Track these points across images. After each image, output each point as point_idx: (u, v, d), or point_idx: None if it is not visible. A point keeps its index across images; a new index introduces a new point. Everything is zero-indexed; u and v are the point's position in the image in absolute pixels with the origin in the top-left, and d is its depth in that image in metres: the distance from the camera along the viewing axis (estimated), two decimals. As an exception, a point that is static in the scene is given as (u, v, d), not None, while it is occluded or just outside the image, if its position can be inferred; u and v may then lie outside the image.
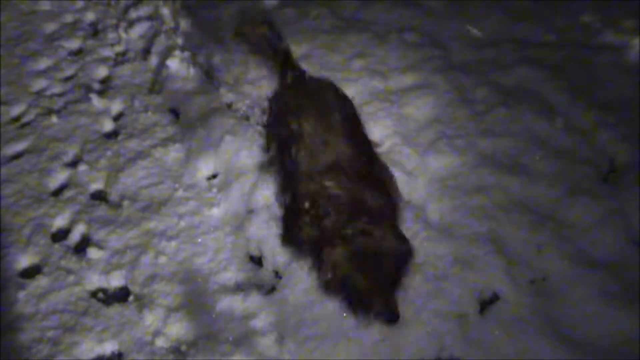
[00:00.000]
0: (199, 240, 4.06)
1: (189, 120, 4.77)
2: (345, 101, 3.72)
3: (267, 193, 4.09)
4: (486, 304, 3.59)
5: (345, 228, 3.09)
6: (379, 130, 4.39)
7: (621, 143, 4.18)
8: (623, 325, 3.44)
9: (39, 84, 5.35)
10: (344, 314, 3.43)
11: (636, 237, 3.75)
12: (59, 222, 4.24)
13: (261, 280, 3.84)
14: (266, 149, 4.12)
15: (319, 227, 3.21)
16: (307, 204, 3.32)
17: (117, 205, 4.30)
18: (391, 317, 3.07)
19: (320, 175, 3.35)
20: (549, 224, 3.80)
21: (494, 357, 3.35)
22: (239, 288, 3.80)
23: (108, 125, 4.91)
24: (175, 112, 4.92)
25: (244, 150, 4.37)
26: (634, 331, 3.42)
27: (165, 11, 5.60)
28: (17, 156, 4.71)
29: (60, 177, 4.54)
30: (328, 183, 3.31)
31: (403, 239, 3.16)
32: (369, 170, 3.50)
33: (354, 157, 3.46)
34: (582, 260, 3.65)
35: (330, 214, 3.18)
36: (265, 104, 3.83)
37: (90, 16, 6.04)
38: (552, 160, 4.12)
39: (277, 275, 3.81)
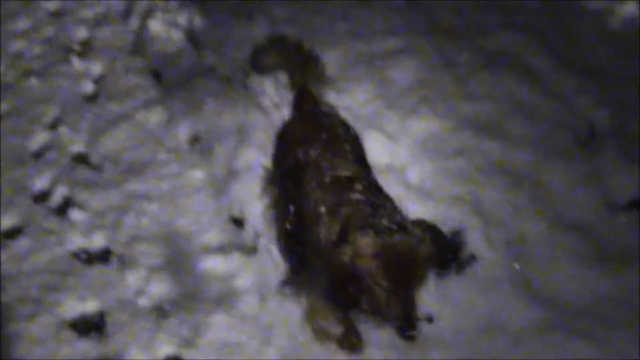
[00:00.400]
0: (181, 202, 4.09)
1: (171, 82, 4.77)
2: (355, 137, 3.64)
3: (249, 155, 4.09)
4: (463, 264, 3.65)
5: (380, 218, 2.79)
6: (361, 95, 4.41)
7: (601, 108, 4.25)
8: (595, 285, 3.53)
9: (18, 45, 5.29)
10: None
11: (611, 201, 3.82)
12: (40, 183, 4.25)
13: (243, 242, 3.89)
14: (269, 185, 3.82)
15: (341, 222, 2.90)
16: (322, 208, 3.07)
17: (99, 168, 4.31)
18: (409, 334, 2.74)
19: (336, 184, 3.16)
20: (526, 187, 3.88)
21: (469, 314, 3.41)
22: (221, 249, 3.84)
23: (89, 88, 4.89)
24: (157, 75, 4.91)
25: (226, 113, 4.38)
26: (606, 291, 3.50)
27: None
28: (-3, 118, 4.70)
29: (40, 139, 4.53)
30: (350, 186, 3.10)
31: (445, 243, 2.88)
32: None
33: (368, 177, 3.33)
34: (557, 222, 3.74)
35: (357, 211, 2.90)
36: (273, 137, 3.71)
37: (70, -24, 5.97)
38: (531, 124, 4.18)
39: (258, 236, 3.82)
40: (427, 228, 2.77)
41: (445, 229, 3.55)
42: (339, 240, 2.80)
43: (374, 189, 3.14)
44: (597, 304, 3.49)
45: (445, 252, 2.82)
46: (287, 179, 3.41)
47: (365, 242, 2.67)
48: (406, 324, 2.70)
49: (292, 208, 3.27)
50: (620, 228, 3.77)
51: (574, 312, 3.46)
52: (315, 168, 3.27)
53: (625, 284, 3.53)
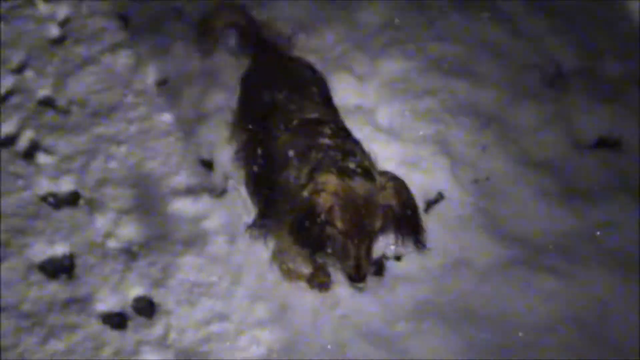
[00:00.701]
0: (150, 145, 4.07)
1: (138, 25, 4.69)
2: (321, 80, 3.59)
3: (218, 97, 4.07)
4: (431, 203, 3.70)
5: (348, 162, 2.77)
6: (330, 36, 4.37)
7: (568, 48, 4.27)
8: (560, 222, 3.60)
9: (-18, -11, 5.18)
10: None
11: (578, 140, 3.86)
12: (6, 128, 4.19)
13: (212, 184, 3.89)
14: (234, 132, 3.80)
15: (310, 166, 2.88)
16: (291, 152, 3.02)
17: (66, 111, 4.26)
18: (358, 280, 2.78)
19: (304, 127, 3.13)
20: (494, 126, 3.90)
21: (436, 252, 3.46)
22: (190, 191, 3.84)
23: (54, 31, 4.79)
24: (124, 18, 4.81)
25: (194, 56, 4.33)
26: (571, 228, 3.56)
27: None
28: (-39, 62, 4.61)
29: (6, 83, 4.45)
30: (319, 130, 3.08)
31: (407, 203, 2.79)
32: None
33: (336, 120, 3.32)
34: (524, 161, 3.78)
35: (327, 156, 2.87)
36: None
37: None
38: (500, 65, 4.20)
39: (227, 178, 3.82)
40: (392, 178, 2.76)
41: (417, 173, 3.60)
42: (307, 182, 2.79)
43: (342, 133, 3.13)
44: (562, 241, 3.56)
45: (406, 207, 2.77)
46: (254, 123, 3.39)
47: (326, 179, 2.68)
48: (356, 274, 2.74)
49: (260, 151, 3.26)
50: (587, 166, 3.83)
51: (539, 248, 3.53)
52: (282, 111, 3.25)
53: (591, 220, 3.60)
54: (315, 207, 2.69)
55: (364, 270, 2.74)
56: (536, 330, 3.27)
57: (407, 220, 2.80)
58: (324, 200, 2.67)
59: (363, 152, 3.00)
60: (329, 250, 2.84)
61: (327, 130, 3.05)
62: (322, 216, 2.69)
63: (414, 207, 2.82)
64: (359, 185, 2.65)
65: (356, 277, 2.76)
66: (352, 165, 2.72)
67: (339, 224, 2.68)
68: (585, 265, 3.43)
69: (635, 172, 3.75)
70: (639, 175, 3.75)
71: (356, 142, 3.10)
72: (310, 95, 3.37)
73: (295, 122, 3.15)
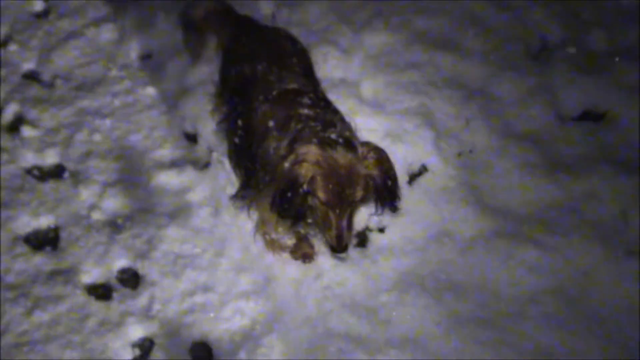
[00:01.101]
0: (134, 118, 4.07)
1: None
2: (302, 50, 3.59)
3: (201, 71, 4.06)
4: (415, 175, 3.71)
5: (329, 132, 2.78)
6: (315, 9, 4.36)
7: (552, 21, 4.27)
8: (543, 194, 3.63)
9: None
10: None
11: (562, 112, 3.87)
12: (-9, 101, 4.18)
13: (196, 157, 3.90)
14: (216, 105, 3.81)
15: (290, 137, 2.89)
16: (271, 123, 3.03)
17: (50, 85, 4.25)
18: (340, 250, 2.81)
19: (284, 98, 3.12)
20: (478, 99, 3.92)
21: (419, 224, 3.48)
22: (174, 164, 3.85)
23: (39, 5, 4.76)
24: (108, -9, 4.79)
25: (178, 29, 4.30)
26: (554, 199, 3.58)
27: None
28: (-56, 37, 4.58)
29: (-10, 57, 4.44)
30: (298, 100, 3.07)
31: (388, 172, 2.81)
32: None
33: (316, 90, 3.32)
34: (508, 133, 3.80)
35: (307, 127, 2.88)
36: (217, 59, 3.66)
37: None
38: (484, 38, 4.21)
39: (211, 151, 3.83)
40: (374, 149, 2.77)
41: (401, 145, 3.61)
42: (287, 153, 2.80)
43: (322, 103, 3.13)
44: (545, 212, 3.59)
45: (387, 177, 2.80)
46: (235, 95, 3.39)
47: (307, 149, 2.69)
48: (338, 244, 2.77)
49: (240, 123, 3.25)
50: (570, 139, 3.86)
51: (522, 220, 3.55)
52: (262, 82, 3.25)
53: (573, 192, 3.63)
54: (297, 178, 2.71)
55: (345, 240, 2.77)
56: (519, 301, 3.30)
57: (387, 190, 2.82)
58: (306, 170, 2.69)
59: (343, 121, 3.01)
60: (310, 221, 2.88)
61: (307, 101, 3.06)
62: (304, 186, 2.71)
63: (394, 177, 2.84)
64: (341, 155, 2.67)
65: (338, 247, 2.78)
66: (333, 136, 2.73)
67: (321, 194, 2.70)
68: (568, 236, 3.45)
69: (618, 144, 3.78)
70: (622, 148, 3.76)
71: (336, 112, 3.11)
72: (290, 66, 3.36)
73: (274, 92, 3.15)
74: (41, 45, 4.46)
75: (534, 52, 4.20)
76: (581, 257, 3.38)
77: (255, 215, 3.38)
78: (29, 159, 3.91)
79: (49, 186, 3.80)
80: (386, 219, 3.44)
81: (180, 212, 3.66)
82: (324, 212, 2.76)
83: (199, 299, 3.39)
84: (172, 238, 3.57)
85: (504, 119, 3.88)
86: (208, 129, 3.89)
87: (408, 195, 3.60)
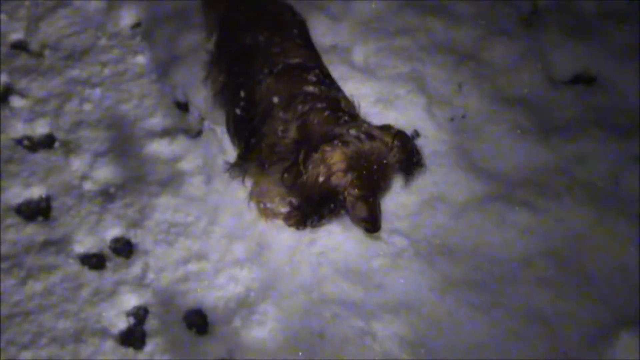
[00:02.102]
0: (124, 87, 4.04)
1: (110, -33, 4.61)
2: (302, 22, 3.56)
3: (191, 39, 4.03)
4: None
5: (347, 127, 2.78)
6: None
7: (544, -15, 4.25)
8: (535, 158, 3.65)
9: None
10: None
11: (553, 76, 3.88)
12: (-21, 72, 4.14)
13: (188, 125, 3.89)
14: (212, 74, 3.73)
15: (299, 124, 2.92)
16: (275, 99, 3.05)
17: (39, 55, 4.21)
18: (376, 231, 2.89)
19: (288, 73, 3.12)
20: (469, 64, 3.92)
21: (412, 189, 3.48)
22: (166, 133, 3.83)
23: (26, -25, 4.70)
24: (96, -40, 4.73)
25: (167, -3, 4.29)
26: (545, 163, 3.60)
27: None
28: None
29: (-22, 27, 4.39)
30: (303, 76, 3.08)
31: (413, 153, 2.88)
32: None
33: (319, 65, 3.30)
34: (499, 98, 3.80)
35: (313, 109, 2.91)
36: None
37: None
38: (475, 2, 4.21)
39: (203, 119, 3.81)
40: (396, 134, 2.79)
41: (393, 111, 3.60)
42: (306, 157, 2.76)
43: (327, 80, 3.13)
44: (537, 175, 3.61)
45: (412, 157, 2.85)
46: (235, 64, 3.36)
47: (337, 158, 2.69)
48: (372, 226, 2.83)
49: (242, 94, 3.24)
50: (562, 102, 3.88)
51: (514, 183, 3.57)
52: (265, 53, 3.23)
53: (565, 155, 3.66)
54: (334, 189, 2.74)
55: (380, 221, 2.83)
56: (512, 264, 3.34)
57: (414, 164, 2.90)
58: (340, 179, 2.72)
59: (347, 100, 3.03)
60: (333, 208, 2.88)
61: (312, 77, 3.07)
62: (343, 194, 2.77)
63: (419, 153, 2.91)
64: (368, 150, 2.69)
65: (374, 228, 2.85)
66: (354, 132, 2.72)
67: (358, 192, 2.75)
68: (560, 199, 3.48)
69: (609, 107, 3.80)
70: (613, 111, 3.78)
71: (339, 89, 3.12)
72: (292, 38, 3.35)
73: (280, 66, 3.14)
74: (29, 15, 4.40)
75: (524, 17, 4.19)
76: (573, 220, 3.41)
77: (249, 183, 3.36)
78: (19, 129, 3.88)
79: (40, 156, 3.78)
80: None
81: (172, 181, 3.65)
82: (355, 202, 2.79)
83: (192, 267, 3.40)
84: (165, 206, 3.57)
85: (495, 83, 3.88)
86: (199, 97, 3.87)
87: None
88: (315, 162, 2.72)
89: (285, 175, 2.89)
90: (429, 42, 4.00)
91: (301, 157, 2.78)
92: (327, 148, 2.70)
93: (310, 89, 3.01)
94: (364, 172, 2.69)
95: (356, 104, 3.04)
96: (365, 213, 2.80)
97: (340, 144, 2.70)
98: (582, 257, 3.31)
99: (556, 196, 3.49)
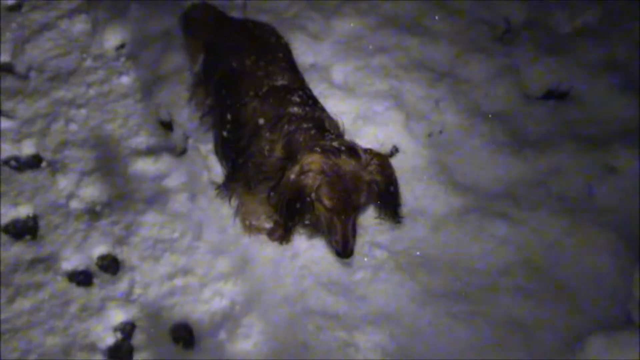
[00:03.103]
0: (109, 107, 4.13)
1: (94, -10, 4.70)
2: (286, 45, 3.66)
3: (175, 59, 4.12)
4: (387, 156, 3.77)
5: (328, 140, 2.84)
6: (285, -3, 4.46)
7: (517, 3, 4.39)
8: (511, 171, 3.74)
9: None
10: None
11: (526, 91, 3.99)
12: (-34, 94, 4.21)
13: (172, 144, 3.96)
14: (197, 96, 3.83)
15: (285, 143, 2.97)
16: (261, 120, 3.10)
17: (25, 77, 4.30)
18: (345, 256, 2.87)
19: (273, 95, 3.18)
20: (446, 80, 4.01)
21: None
22: (151, 151, 3.90)
23: (11, -1, 4.80)
24: (80, -17, 4.83)
25: (151, 18, 4.38)
26: (521, 175, 3.70)
27: None
28: None
29: (-36, 50, 4.46)
30: (287, 97, 3.15)
31: (390, 178, 2.89)
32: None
33: (303, 86, 3.38)
34: (475, 113, 3.90)
35: (299, 129, 2.95)
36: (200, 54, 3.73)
37: None
38: (451, 21, 4.32)
39: (187, 137, 3.89)
40: (377, 156, 2.85)
41: (373, 127, 3.68)
42: (284, 156, 2.88)
43: (311, 101, 3.21)
44: (513, 188, 3.70)
45: (389, 183, 2.89)
46: (221, 87, 3.44)
47: (312, 159, 2.75)
48: (344, 249, 2.83)
49: (229, 116, 3.31)
50: (536, 116, 3.98)
51: (491, 196, 3.66)
52: (251, 77, 3.31)
53: (540, 167, 3.74)
54: (304, 188, 2.77)
55: (350, 245, 2.84)
56: (490, 273, 3.40)
57: (390, 195, 2.91)
58: (312, 180, 2.75)
59: (330, 119, 3.11)
60: (309, 222, 2.94)
61: (296, 99, 3.14)
62: (312, 195, 2.78)
63: (396, 183, 2.92)
64: (345, 162, 2.73)
65: (344, 253, 2.85)
66: (335, 144, 2.78)
67: (327, 201, 2.76)
68: (536, 210, 3.55)
69: (581, 121, 3.91)
70: (586, 123, 3.89)
71: (323, 110, 3.19)
72: (277, 61, 3.42)
73: (264, 89, 3.21)
74: (15, 38, 4.49)
75: (499, 34, 4.32)
76: (548, 230, 3.49)
77: (236, 202, 3.42)
78: (6, 150, 3.94)
79: (27, 176, 3.84)
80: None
81: (157, 198, 3.72)
82: (329, 219, 2.82)
83: (178, 282, 3.45)
84: (151, 223, 3.63)
85: (471, 99, 3.98)
86: (183, 116, 3.95)
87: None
88: (292, 167, 2.79)
89: (271, 194, 2.96)
90: (407, 60, 4.10)
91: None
92: (306, 153, 2.77)
93: (295, 109, 3.08)
94: (337, 181, 2.72)
95: (340, 124, 3.11)
96: (336, 233, 2.81)
97: (319, 149, 2.76)
98: (557, 266, 3.39)
99: (532, 207, 3.57)
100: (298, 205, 2.81)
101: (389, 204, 2.95)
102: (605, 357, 2.54)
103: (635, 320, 2.92)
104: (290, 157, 2.88)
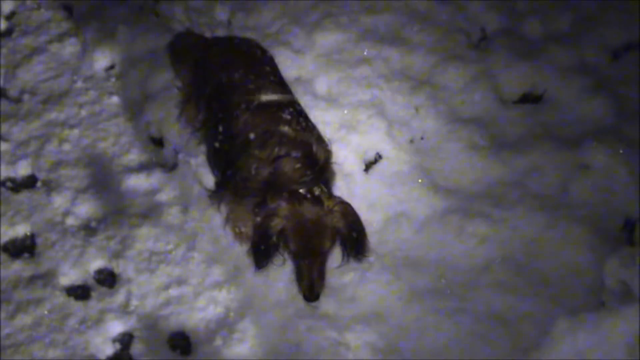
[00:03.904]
0: (101, 126, 4.26)
1: (82, 14, 4.83)
2: (271, 58, 3.82)
3: (163, 78, 4.25)
4: (371, 163, 3.93)
5: (299, 182, 3.05)
6: (268, 14, 4.58)
7: (491, 12, 4.54)
8: (490, 172, 3.85)
9: None
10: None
11: (502, 95, 4.14)
12: (-39, 119, 4.32)
13: (163, 159, 4.09)
14: (188, 112, 3.91)
15: (274, 167, 3.13)
16: (251, 135, 3.25)
17: (18, 100, 4.42)
18: (311, 300, 3.11)
19: (265, 110, 3.33)
20: (425, 88, 4.15)
21: (376, 208, 3.70)
22: (143, 167, 4.03)
23: (2, 25, 4.91)
24: (68, 8, 4.97)
25: (139, 39, 4.50)
26: (500, 176, 3.82)
27: None
28: None
29: (-42, 76, 4.57)
30: (278, 114, 3.29)
31: (353, 224, 3.10)
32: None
33: (293, 101, 3.49)
34: (454, 118, 4.04)
35: (287, 156, 3.12)
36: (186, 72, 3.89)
37: None
38: (429, 31, 4.45)
39: (177, 152, 4.01)
40: (339, 203, 3.05)
41: (356, 135, 3.81)
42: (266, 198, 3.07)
43: (301, 119, 3.35)
44: (492, 188, 3.81)
45: (352, 229, 3.08)
46: (213, 101, 3.56)
47: (277, 204, 2.97)
48: (310, 294, 3.07)
49: (221, 128, 3.44)
50: (512, 120, 4.09)
51: (472, 197, 3.77)
52: (241, 89, 3.44)
53: (517, 168, 3.85)
54: (267, 231, 2.98)
55: (316, 289, 3.07)
56: (472, 271, 3.51)
57: (354, 241, 3.12)
58: (275, 224, 2.97)
59: (319, 140, 3.28)
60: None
61: (287, 116, 3.28)
62: (274, 238, 3.00)
63: (360, 228, 3.13)
64: (308, 209, 2.95)
65: (310, 297, 3.08)
66: (302, 191, 2.99)
67: (291, 246, 3.00)
68: (514, 209, 3.66)
69: (555, 122, 4.03)
70: (560, 125, 4.02)
71: (313, 129, 3.35)
72: (266, 74, 3.57)
73: (255, 102, 3.35)
74: (7, 63, 4.62)
75: (474, 42, 4.46)
76: (527, 227, 3.59)
77: (226, 211, 3.54)
78: (2, 172, 4.05)
79: (23, 196, 3.96)
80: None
81: (151, 212, 3.84)
82: (295, 262, 3.08)
83: (174, 292, 3.56)
84: (145, 237, 3.74)
85: (450, 105, 4.11)
86: (173, 132, 4.07)
87: (365, 182, 3.82)
88: (263, 208, 3.01)
89: (256, 210, 3.12)
90: (387, 70, 4.23)
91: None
92: (274, 198, 3.00)
93: (286, 129, 3.22)
94: (301, 226, 2.95)
95: (329, 144, 3.31)
96: (302, 278, 3.06)
97: (286, 195, 2.98)
98: (537, 261, 3.49)
99: (511, 206, 3.68)
100: (263, 248, 3.03)
101: (353, 248, 3.16)
102: (571, 337, 2.66)
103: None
104: (274, 186, 3.07)
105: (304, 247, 3.00)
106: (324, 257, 3.10)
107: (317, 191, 3.05)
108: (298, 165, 3.10)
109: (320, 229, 2.98)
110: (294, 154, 3.13)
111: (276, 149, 3.13)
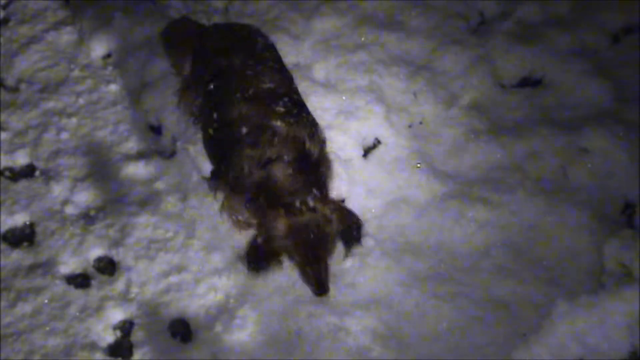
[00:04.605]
0: (99, 115, 4.23)
1: (78, 2, 4.81)
2: (272, 45, 3.81)
3: (161, 65, 4.23)
4: (369, 149, 3.93)
5: (292, 192, 3.11)
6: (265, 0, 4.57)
7: (490, -4, 4.52)
8: (489, 157, 3.85)
9: None
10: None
11: (501, 80, 4.13)
12: (-42, 108, 4.31)
13: (162, 147, 4.07)
14: (187, 99, 3.91)
15: (265, 172, 3.17)
16: (244, 129, 3.26)
17: (15, 89, 4.40)
18: (321, 292, 3.20)
19: (260, 98, 3.33)
20: (423, 73, 4.14)
21: (376, 194, 3.69)
22: (141, 155, 4.02)
23: (-1, 14, 4.90)
24: (64, -4, 4.95)
25: (136, 27, 4.48)
26: (499, 161, 3.83)
27: None
28: None
29: (-46, 65, 4.56)
30: (272, 105, 3.31)
31: (354, 223, 3.30)
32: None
33: (290, 89, 3.49)
34: (453, 103, 4.03)
35: (278, 157, 3.17)
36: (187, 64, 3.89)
37: None
38: (427, 16, 4.43)
39: (176, 140, 4.01)
40: (336, 209, 3.14)
41: (355, 121, 3.80)
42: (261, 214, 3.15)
43: (296, 110, 3.36)
44: (491, 173, 3.81)
45: (352, 229, 3.24)
46: (211, 86, 3.56)
47: (278, 225, 3.03)
48: (320, 289, 3.15)
49: (215, 115, 3.44)
50: (511, 104, 4.09)
51: (470, 182, 3.78)
52: (239, 76, 3.44)
53: (516, 152, 3.85)
54: (272, 252, 3.15)
55: (326, 285, 3.16)
56: (472, 256, 3.52)
57: (353, 236, 3.31)
58: (280, 244, 3.09)
59: (312, 137, 3.29)
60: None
61: (281, 109, 3.29)
62: (281, 257, 3.17)
63: (358, 225, 3.30)
64: (306, 223, 3.03)
65: (321, 292, 3.18)
66: (297, 204, 3.04)
67: (298, 258, 3.10)
68: (513, 193, 3.66)
69: (554, 106, 4.02)
70: (559, 109, 4.01)
71: (307, 122, 3.35)
72: (265, 61, 3.56)
73: (251, 91, 3.35)
74: (3, 52, 4.59)
75: (473, 27, 4.44)
76: (526, 211, 3.60)
77: (221, 198, 3.54)
78: (0, 161, 4.05)
79: (22, 185, 3.95)
80: (344, 185, 3.65)
81: (150, 200, 3.83)
82: (302, 269, 3.17)
83: (174, 279, 3.56)
84: (144, 224, 3.74)
85: (449, 90, 4.10)
86: (171, 120, 4.06)
87: (364, 168, 3.81)
88: (260, 229, 3.14)
89: (247, 205, 3.21)
90: (385, 55, 4.22)
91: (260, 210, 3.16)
92: (271, 215, 3.07)
93: (279, 124, 3.23)
94: (304, 240, 3.04)
95: (324, 136, 3.38)
96: (309, 279, 3.14)
97: (283, 212, 3.03)
98: (536, 245, 3.50)
99: (510, 191, 3.68)
100: (264, 265, 3.23)
101: (353, 240, 3.37)
102: (570, 319, 2.67)
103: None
104: (265, 190, 3.13)
105: (307, 257, 3.09)
106: (329, 256, 3.20)
107: (311, 202, 3.09)
108: (290, 172, 3.13)
109: (321, 239, 3.07)
110: (286, 157, 3.16)
111: (267, 151, 3.16)
